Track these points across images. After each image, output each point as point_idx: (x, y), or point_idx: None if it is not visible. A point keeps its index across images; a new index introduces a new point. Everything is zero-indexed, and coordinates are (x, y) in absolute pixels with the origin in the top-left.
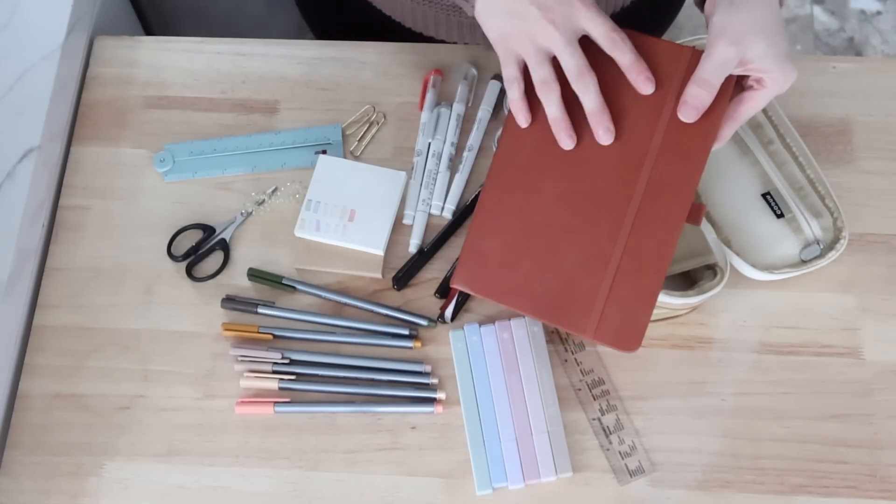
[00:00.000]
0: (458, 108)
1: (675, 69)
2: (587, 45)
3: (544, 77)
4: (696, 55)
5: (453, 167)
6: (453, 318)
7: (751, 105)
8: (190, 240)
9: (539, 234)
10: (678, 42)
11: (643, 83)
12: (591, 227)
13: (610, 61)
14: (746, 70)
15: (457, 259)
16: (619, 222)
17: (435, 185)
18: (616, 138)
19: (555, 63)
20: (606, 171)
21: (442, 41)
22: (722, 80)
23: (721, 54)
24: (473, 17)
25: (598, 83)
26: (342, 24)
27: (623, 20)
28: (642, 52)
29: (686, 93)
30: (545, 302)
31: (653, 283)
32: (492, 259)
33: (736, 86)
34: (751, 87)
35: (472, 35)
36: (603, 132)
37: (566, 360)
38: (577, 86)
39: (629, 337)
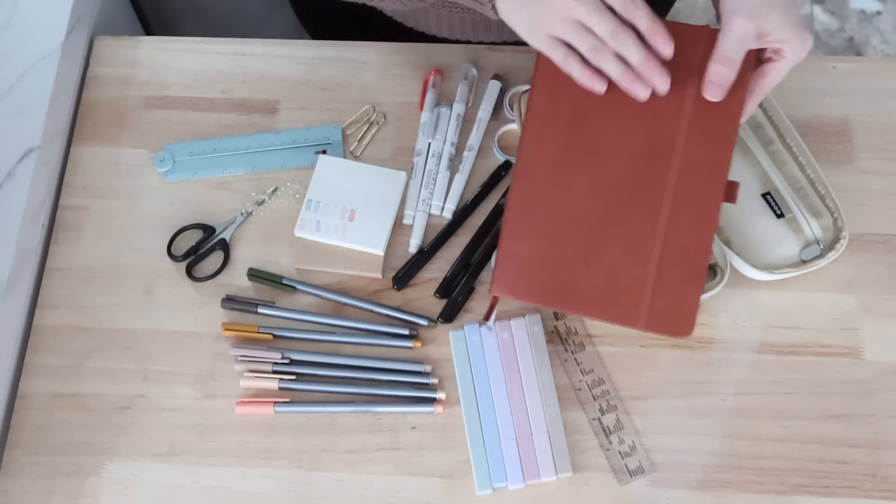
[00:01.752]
0: (458, 108)
1: (695, 50)
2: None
3: (591, 44)
4: (713, 34)
5: (453, 167)
6: (452, 319)
7: (772, 77)
8: (190, 240)
9: (576, 230)
10: None
11: (662, 44)
12: (628, 216)
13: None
14: (765, 43)
15: (492, 266)
16: (656, 208)
17: (435, 185)
18: (642, 124)
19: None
20: (636, 158)
21: (442, 39)
22: (743, 55)
23: (740, 30)
24: (473, 14)
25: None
26: (337, 25)
27: None
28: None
29: (709, 71)
30: (591, 299)
31: (698, 265)
32: (530, 262)
33: (756, 59)
34: (769, 59)
35: (474, 32)
36: (658, 79)
37: (566, 360)
38: (616, 45)
39: (682, 323)
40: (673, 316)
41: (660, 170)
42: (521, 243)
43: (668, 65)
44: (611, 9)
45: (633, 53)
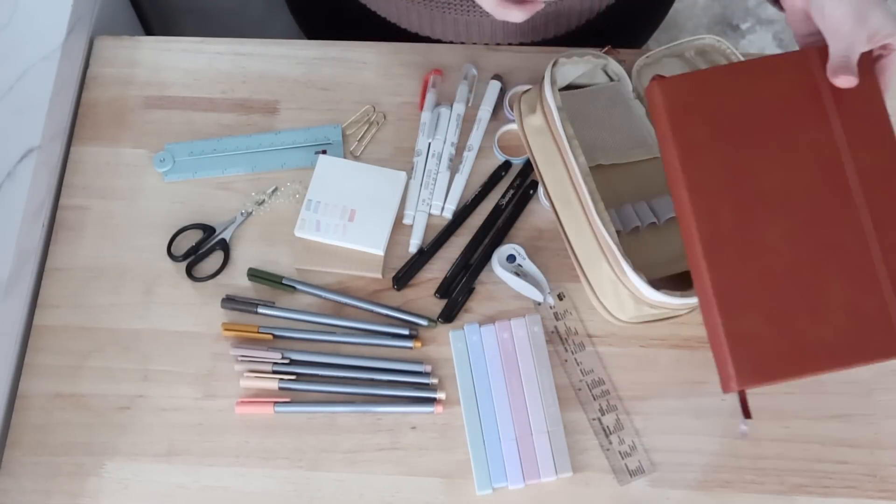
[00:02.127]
0: (458, 108)
1: (814, 72)
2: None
3: None
4: (823, 51)
5: (453, 167)
6: (452, 319)
7: (890, 72)
8: (190, 240)
9: (792, 283)
10: (680, 42)
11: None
12: (834, 248)
13: (761, 95)
14: (875, 42)
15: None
16: (857, 228)
17: (435, 185)
18: (800, 156)
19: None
20: (811, 190)
21: (437, 41)
22: (857, 56)
23: (849, 35)
24: (468, 15)
25: (762, 119)
26: (334, 27)
27: (616, 13)
28: (776, 72)
29: (831, 75)
30: (843, 346)
31: None
32: (762, 336)
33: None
34: (881, 57)
35: (468, 33)
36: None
37: (566, 360)
38: None
39: None
40: None
41: (843, 195)
42: (744, 319)
43: (797, 95)
44: None
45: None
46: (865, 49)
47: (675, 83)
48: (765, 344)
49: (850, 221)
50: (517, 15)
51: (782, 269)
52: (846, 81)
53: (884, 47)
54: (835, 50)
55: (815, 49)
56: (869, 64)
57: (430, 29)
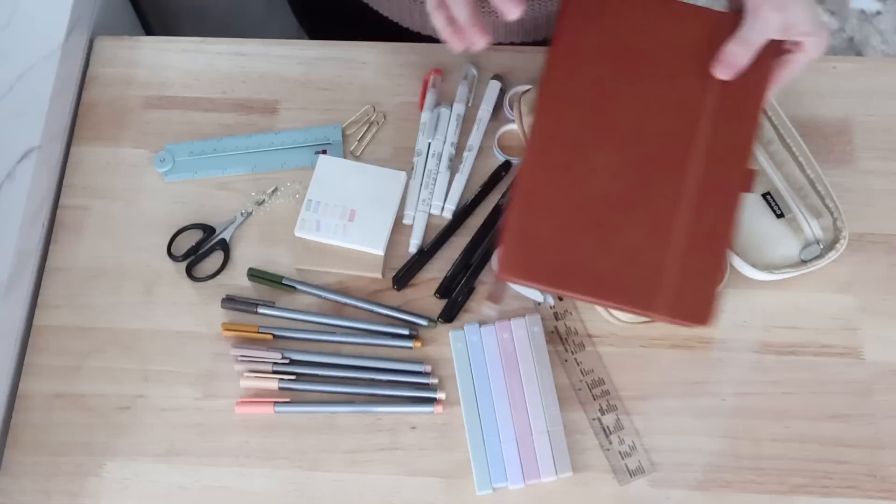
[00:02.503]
0: (458, 108)
1: (718, 36)
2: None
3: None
4: (736, 20)
5: (453, 167)
6: (452, 319)
7: (791, 68)
8: (190, 240)
9: (595, 209)
10: None
11: (509, 8)
12: (650, 199)
13: (659, 34)
14: (789, 35)
15: (496, 248)
16: (678, 192)
17: (435, 185)
18: (667, 106)
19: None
20: (660, 140)
21: (438, 40)
22: (762, 42)
23: (765, 17)
24: None
25: (647, 58)
26: (337, 26)
27: None
28: (685, 21)
29: (723, 50)
30: (607, 283)
31: (720, 252)
32: (542, 241)
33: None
34: (789, 51)
35: None
36: (476, 38)
37: (566, 360)
38: (450, 2)
39: (701, 311)
40: (693, 303)
41: (683, 153)
42: (533, 221)
43: (689, 51)
44: None
45: (460, 12)
46: (776, 38)
47: None
48: (541, 249)
49: (676, 179)
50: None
51: (592, 194)
52: (721, 73)
53: (796, 44)
54: (745, 26)
55: (733, 15)
56: (774, 51)
57: (431, 28)
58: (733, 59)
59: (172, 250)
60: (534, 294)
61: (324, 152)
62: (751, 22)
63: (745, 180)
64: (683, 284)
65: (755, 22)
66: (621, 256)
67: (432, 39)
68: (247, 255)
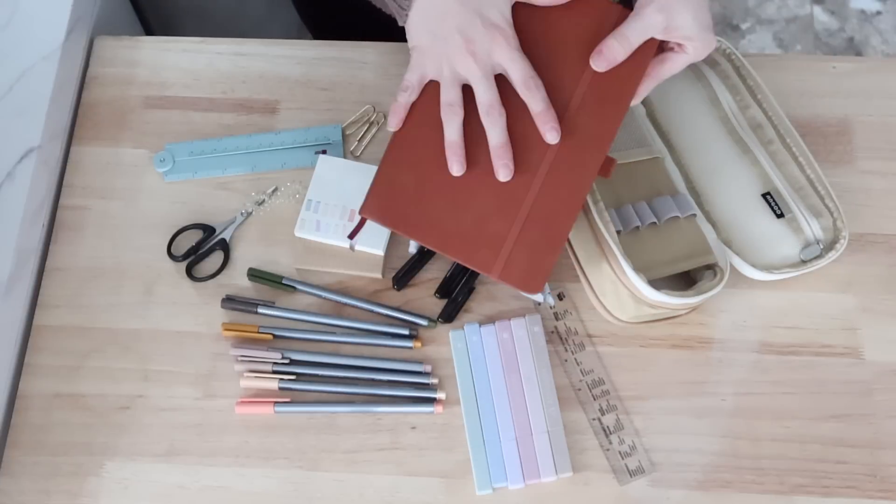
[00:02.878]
0: None
1: (603, 25)
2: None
3: (452, 100)
4: (624, 13)
5: None
6: (452, 319)
7: (670, 66)
8: (190, 240)
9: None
10: None
11: (549, 132)
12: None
13: (542, 16)
14: (670, 36)
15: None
16: (534, 168)
17: None
18: (539, 76)
19: (464, 90)
20: (526, 116)
21: None
22: (641, 40)
23: (648, 18)
24: None
25: (531, 35)
26: (342, 25)
27: None
28: (575, 5)
29: (603, 43)
30: (454, 239)
31: (561, 229)
32: (404, 192)
33: (658, 47)
34: (671, 50)
35: None
36: (502, 168)
37: (566, 360)
38: (486, 119)
39: (532, 280)
40: (526, 272)
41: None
42: (399, 173)
43: (574, 34)
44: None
45: (497, 134)
46: (658, 38)
47: None
48: (401, 199)
49: (532, 160)
50: None
51: None
52: (597, 65)
53: (679, 45)
54: (626, 23)
55: (622, 9)
56: (652, 48)
57: None
58: (609, 52)
59: (172, 250)
60: (534, 294)
61: (324, 152)
62: (634, 20)
63: (605, 167)
64: (521, 254)
65: (638, 21)
66: (471, 218)
67: None
68: (247, 255)
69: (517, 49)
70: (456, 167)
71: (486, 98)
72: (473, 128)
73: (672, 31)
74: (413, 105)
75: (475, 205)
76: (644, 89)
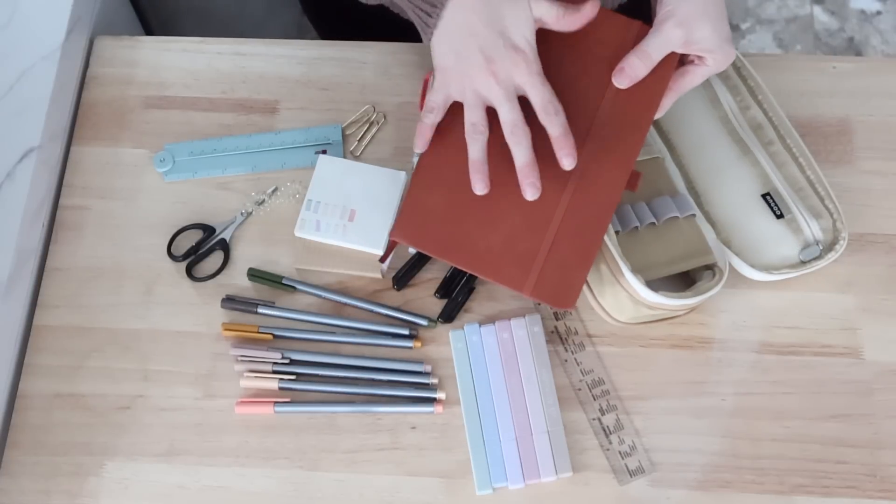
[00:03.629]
0: None
1: (624, 41)
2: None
3: (476, 121)
4: (644, 30)
5: None
6: (452, 319)
7: (690, 79)
8: (190, 240)
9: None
10: None
11: (565, 157)
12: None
13: (564, 36)
14: (690, 50)
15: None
16: (562, 185)
17: None
18: (565, 105)
19: (487, 110)
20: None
21: None
22: (662, 55)
23: (667, 33)
24: None
25: (554, 55)
26: (349, 23)
27: (623, 13)
28: (599, 24)
29: (624, 60)
30: (485, 259)
31: (591, 244)
32: (434, 214)
33: (679, 60)
34: (692, 63)
35: None
36: (529, 187)
37: (566, 360)
38: (511, 139)
39: (565, 295)
40: (558, 288)
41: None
42: (427, 195)
43: (596, 51)
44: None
45: (522, 153)
46: (678, 51)
47: None
48: (431, 220)
49: (559, 176)
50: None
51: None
52: (619, 82)
53: (699, 58)
54: (647, 39)
55: (643, 25)
56: (673, 62)
57: None
58: (631, 69)
59: (172, 250)
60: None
61: (324, 152)
62: (654, 36)
63: (632, 181)
64: (553, 270)
65: (658, 37)
66: (501, 237)
67: None
68: (247, 255)
69: (538, 73)
70: (479, 186)
71: (510, 118)
72: (500, 147)
73: (692, 45)
74: (439, 126)
75: (504, 224)
76: (667, 103)
